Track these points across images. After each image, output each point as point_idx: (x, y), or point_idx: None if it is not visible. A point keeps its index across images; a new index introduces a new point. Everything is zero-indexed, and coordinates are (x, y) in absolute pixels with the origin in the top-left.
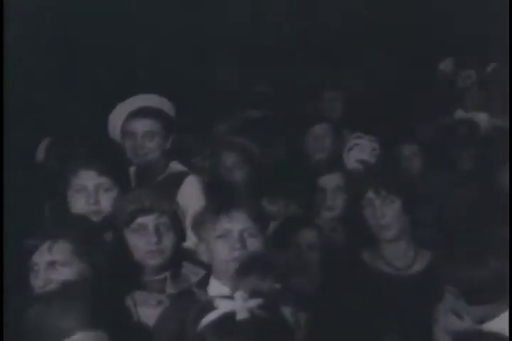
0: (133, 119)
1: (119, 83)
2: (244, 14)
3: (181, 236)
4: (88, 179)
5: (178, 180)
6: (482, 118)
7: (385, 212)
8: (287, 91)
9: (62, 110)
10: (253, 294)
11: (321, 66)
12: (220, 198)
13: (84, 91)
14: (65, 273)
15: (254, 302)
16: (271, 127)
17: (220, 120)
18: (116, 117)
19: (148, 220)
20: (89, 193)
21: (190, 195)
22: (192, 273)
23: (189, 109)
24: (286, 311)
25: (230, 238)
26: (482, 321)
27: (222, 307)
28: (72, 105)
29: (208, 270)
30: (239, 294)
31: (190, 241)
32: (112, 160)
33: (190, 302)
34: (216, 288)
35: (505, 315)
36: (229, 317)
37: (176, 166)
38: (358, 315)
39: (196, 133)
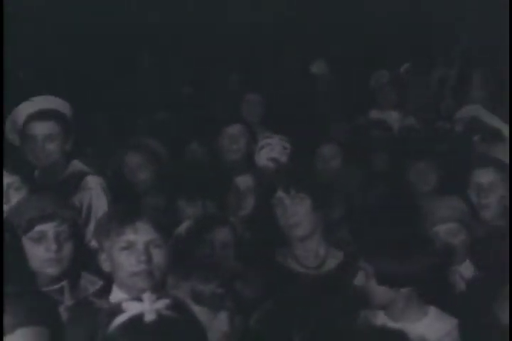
0: (32, 122)
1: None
2: (165, 14)
3: (81, 245)
4: None
5: (79, 179)
6: (395, 117)
7: (295, 211)
8: (206, 92)
9: None
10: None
11: (242, 68)
12: (125, 207)
13: None
14: None
15: (161, 303)
16: (185, 127)
17: (133, 120)
18: (15, 120)
19: (48, 228)
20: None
21: (93, 195)
22: (90, 283)
23: (99, 109)
24: (223, 315)
25: (135, 250)
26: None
27: (130, 309)
28: None
29: (109, 279)
30: (146, 296)
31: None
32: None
33: (88, 311)
34: (119, 297)
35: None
36: (137, 319)
37: (77, 165)
38: (274, 315)
39: (102, 133)
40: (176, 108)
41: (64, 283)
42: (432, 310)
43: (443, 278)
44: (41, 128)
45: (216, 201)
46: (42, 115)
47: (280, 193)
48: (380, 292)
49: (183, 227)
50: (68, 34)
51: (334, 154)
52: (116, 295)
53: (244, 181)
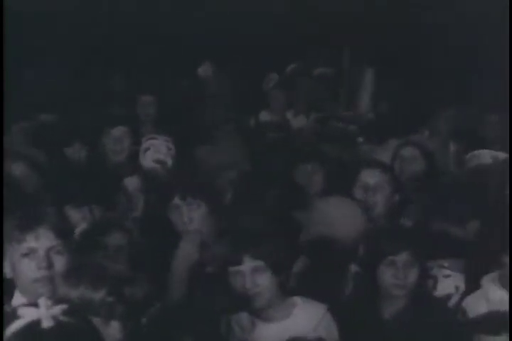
0: None
1: None
2: None
3: None
4: None
5: None
6: (286, 118)
7: (192, 217)
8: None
9: None
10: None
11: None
12: (25, 214)
13: None
14: None
15: (58, 309)
16: (68, 130)
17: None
18: None
19: None
20: None
21: None
22: None
23: None
24: (115, 324)
25: (36, 256)
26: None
27: (27, 316)
28: None
29: (12, 285)
30: (42, 301)
31: None
32: None
33: None
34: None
35: None
36: (34, 325)
37: None
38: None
39: None
40: (60, 110)
41: None
42: (299, 301)
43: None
44: None
45: (103, 204)
46: None
47: (177, 200)
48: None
49: (76, 232)
50: None
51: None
52: (18, 301)
53: (131, 183)
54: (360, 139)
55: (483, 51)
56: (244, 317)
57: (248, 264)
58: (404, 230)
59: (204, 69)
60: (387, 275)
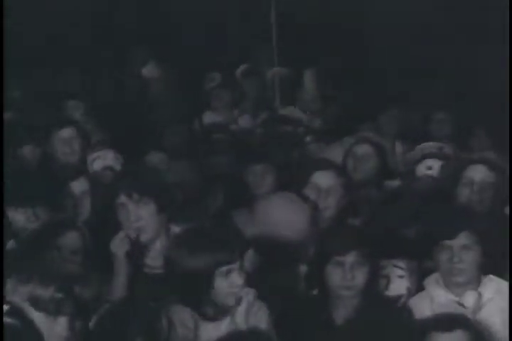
0: None
1: None
2: None
3: None
4: None
5: None
6: (230, 119)
7: (139, 215)
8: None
9: None
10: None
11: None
12: None
13: None
14: None
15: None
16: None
17: None
18: None
19: None
20: None
21: None
22: None
23: None
24: (62, 320)
25: None
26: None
27: None
28: None
29: None
30: None
31: None
32: None
33: None
34: None
35: None
36: None
37: None
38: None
39: None
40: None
41: None
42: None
43: None
44: None
45: (49, 207)
46: None
47: (122, 198)
48: None
49: (28, 231)
50: None
51: (162, 161)
52: None
53: (79, 185)
54: (308, 139)
55: (420, 50)
56: (187, 315)
57: None
58: (352, 230)
59: (149, 70)
60: (334, 276)
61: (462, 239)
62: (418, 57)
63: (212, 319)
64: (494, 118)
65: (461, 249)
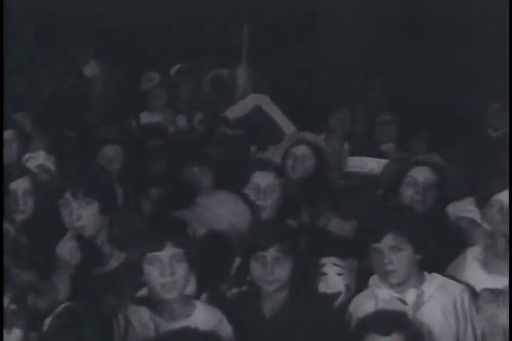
0: None
1: None
2: None
3: None
4: None
5: None
6: (167, 119)
7: (81, 214)
8: None
9: None
10: None
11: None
12: None
13: None
14: None
15: None
16: None
17: None
18: None
19: None
20: None
21: None
22: None
23: None
24: (16, 332)
25: None
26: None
27: None
28: None
29: None
30: None
31: None
32: None
33: None
34: None
35: None
36: None
37: None
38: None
39: None
40: None
41: None
42: (199, 304)
43: None
44: None
45: None
46: None
47: (68, 196)
48: None
49: None
50: None
51: (117, 155)
52: None
53: (20, 184)
54: (253, 149)
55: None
56: (144, 314)
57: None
58: (275, 226)
59: (90, 69)
60: (256, 270)
61: (388, 240)
62: (368, 57)
63: (169, 318)
64: (438, 121)
65: (390, 250)
